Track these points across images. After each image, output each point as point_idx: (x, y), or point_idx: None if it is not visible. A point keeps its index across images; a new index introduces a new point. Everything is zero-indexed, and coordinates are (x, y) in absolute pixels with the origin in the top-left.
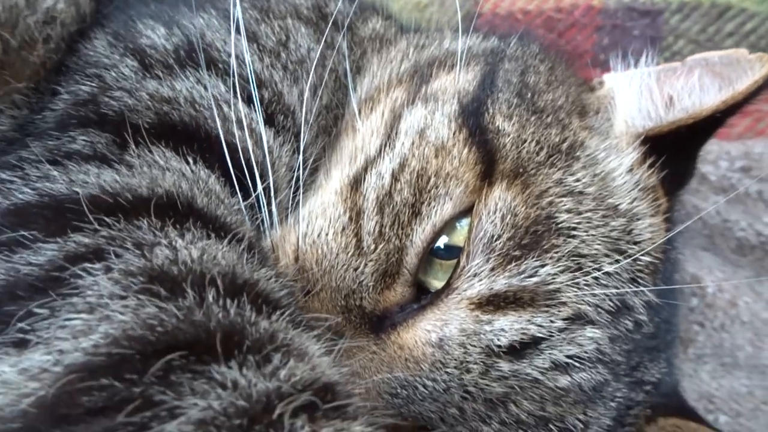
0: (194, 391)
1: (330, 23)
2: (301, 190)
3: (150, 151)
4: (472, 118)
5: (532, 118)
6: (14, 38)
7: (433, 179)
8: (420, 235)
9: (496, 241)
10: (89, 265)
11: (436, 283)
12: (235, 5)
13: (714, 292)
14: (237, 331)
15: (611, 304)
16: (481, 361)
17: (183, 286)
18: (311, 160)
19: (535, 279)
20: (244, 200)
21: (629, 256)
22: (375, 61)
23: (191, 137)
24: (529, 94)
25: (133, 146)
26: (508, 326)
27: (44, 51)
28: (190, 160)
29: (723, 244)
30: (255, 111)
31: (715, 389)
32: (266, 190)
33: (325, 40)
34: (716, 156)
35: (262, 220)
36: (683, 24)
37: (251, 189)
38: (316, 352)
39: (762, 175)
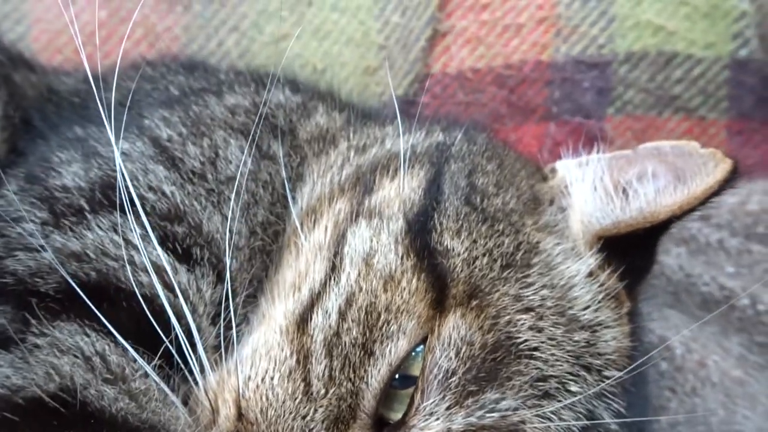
0: None
1: (269, 128)
2: (234, 324)
3: (53, 327)
4: (419, 237)
5: (483, 228)
6: None
7: (383, 315)
8: (376, 377)
9: (451, 377)
10: None
11: (394, 415)
12: (158, 128)
13: (683, 353)
14: None
15: (580, 424)
16: None
17: None
18: (243, 289)
19: (495, 414)
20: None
21: (595, 371)
22: (315, 167)
23: (100, 297)
24: (479, 199)
25: (35, 323)
26: None
27: None
28: (92, 335)
29: (688, 300)
30: (168, 251)
31: None
32: (187, 334)
33: (261, 150)
34: None
35: (191, 370)
36: (632, 73)
37: (169, 337)
38: None
39: (721, 222)
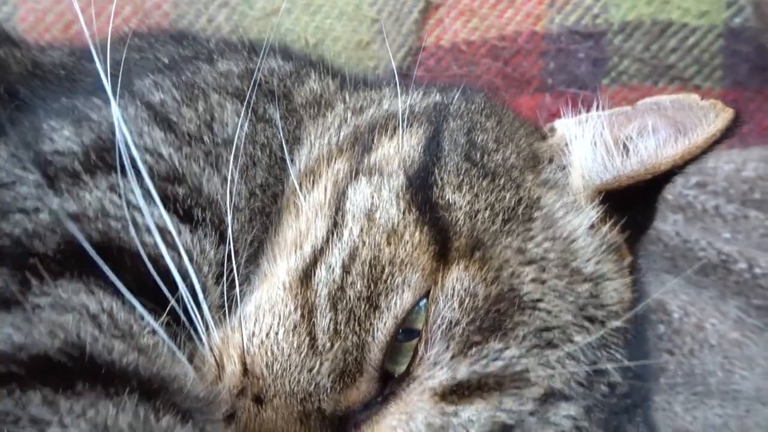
0: None
1: (264, 93)
2: (237, 283)
3: (55, 285)
4: (421, 192)
5: (484, 183)
6: None
7: (387, 268)
8: (381, 330)
9: (455, 327)
10: None
11: (398, 368)
12: (150, 93)
13: (680, 317)
14: None
15: (584, 373)
16: None
17: None
18: (245, 250)
19: (499, 363)
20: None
21: (598, 322)
22: (312, 129)
23: (104, 258)
24: (479, 155)
25: (36, 283)
26: (475, 416)
27: None
28: (98, 292)
29: (685, 265)
30: (169, 212)
31: (689, 423)
32: (192, 293)
33: (257, 113)
34: None
35: (195, 329)
36: (626, 43)
37: (174, 296)
38: None
39: (717, 188)
